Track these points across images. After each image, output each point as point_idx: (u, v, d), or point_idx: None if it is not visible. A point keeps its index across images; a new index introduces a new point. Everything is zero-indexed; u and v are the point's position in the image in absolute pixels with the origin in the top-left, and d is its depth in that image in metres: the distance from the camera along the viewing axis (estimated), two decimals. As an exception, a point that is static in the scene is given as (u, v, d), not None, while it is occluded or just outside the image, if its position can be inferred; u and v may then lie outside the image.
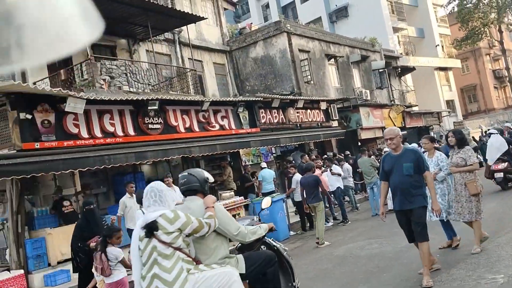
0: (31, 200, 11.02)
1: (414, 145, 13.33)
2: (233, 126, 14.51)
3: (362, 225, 11.68)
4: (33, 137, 9.36)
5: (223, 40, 21.13)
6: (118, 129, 11.10)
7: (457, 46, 36.95)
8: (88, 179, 12.60)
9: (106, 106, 10.85)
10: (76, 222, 8.35)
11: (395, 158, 5.93)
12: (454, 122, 35.00)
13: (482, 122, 35.53)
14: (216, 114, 14.04)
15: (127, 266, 6.12)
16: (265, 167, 14.63)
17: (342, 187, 13.82)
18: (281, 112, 16.90)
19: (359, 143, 21.62)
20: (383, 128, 22.11)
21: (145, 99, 11.44)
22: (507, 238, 7.02)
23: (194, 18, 16.38)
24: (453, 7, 35.47)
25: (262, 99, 15.83)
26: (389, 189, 6.10)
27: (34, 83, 12.19)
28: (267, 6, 41.61)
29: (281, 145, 16.98)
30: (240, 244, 4.24)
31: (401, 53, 32.78)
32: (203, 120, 13.49)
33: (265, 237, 4.31)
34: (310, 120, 18.52)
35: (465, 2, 33.93)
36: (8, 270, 9.21)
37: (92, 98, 10.10)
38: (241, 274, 3.72)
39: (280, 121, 16.85)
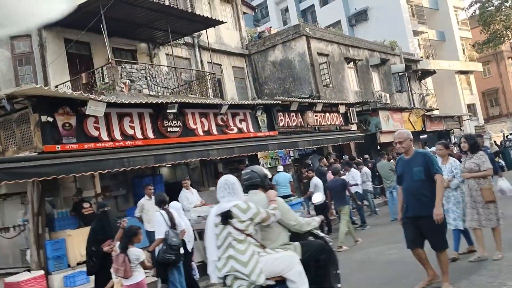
0: (52, 202, 11.14)
1: (433, 149, 13.17)
2: (251, 129, 14.50)
3: (381, 230, 11.58)
4: (54, 140, 9.47)
5: (242, 44, 21.22)
6: (137, 132, 11.19)
7: (478, 50, 36.45)
8: (107, 181, 12.71)
9: (126, 109, 10.94)
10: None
11: (406, 162, 5.74)
12: (475, 126, 34.50)
13: (504, 126, 35.02)
14: (234, 117, 14.05)
15: (146, 267, 6.10)
16: (280, 171, 14.50)
17: (361, 191, 13.74)
18: (299, 115, 16.82)
19: (378, 147, 21.46)
20: (402, 132, 21.84)
21: (164, 102, 11.52)
22: (530, 245, 6.88)
23: (213, 22, 16.49)
24: (475, 10, 34.97)
25: (280, 102, 15.81)
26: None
27: (56, 87, 12.41)
28: (286, 10, 41.63)
29: (299, 148, 16.90)
30: (289, 234, 4.51)
31: (421, 57, 32.47)
32: (221, 123, 13.51)
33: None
34: (328, 123, 18.41)
35: (487, 5, 33.45)
36: (29, 270, 9.33)
37: (112, 101, 10.24)
38: None
39: (299, 125, 16.77)
